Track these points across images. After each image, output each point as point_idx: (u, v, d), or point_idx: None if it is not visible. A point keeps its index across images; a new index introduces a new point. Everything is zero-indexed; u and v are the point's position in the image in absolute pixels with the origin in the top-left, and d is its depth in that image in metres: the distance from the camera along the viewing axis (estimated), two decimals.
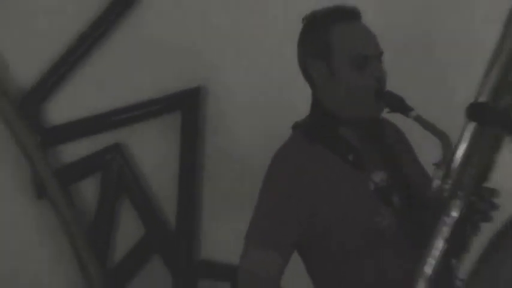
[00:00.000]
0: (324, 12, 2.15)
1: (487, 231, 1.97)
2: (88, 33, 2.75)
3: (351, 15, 2.15)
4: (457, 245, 2.02)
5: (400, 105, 2.01)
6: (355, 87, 2.07)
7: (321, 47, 2.10)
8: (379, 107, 2.09)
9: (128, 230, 2.87)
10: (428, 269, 1.98)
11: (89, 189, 2.86)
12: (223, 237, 2.79)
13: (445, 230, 1.97)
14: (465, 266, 1.98)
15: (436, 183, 2.00)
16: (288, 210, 2.08)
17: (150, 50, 2.82)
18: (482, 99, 1.91)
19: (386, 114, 2.11)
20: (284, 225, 2.06)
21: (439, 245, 1.98)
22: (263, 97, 2.79)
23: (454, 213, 1.98)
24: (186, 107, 2.78)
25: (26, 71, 2.82)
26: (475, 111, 1.91)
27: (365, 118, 2.12)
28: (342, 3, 2.15)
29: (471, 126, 1.96)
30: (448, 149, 1.99)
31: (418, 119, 1.98)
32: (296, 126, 2.14)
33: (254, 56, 2.80)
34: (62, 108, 2.84)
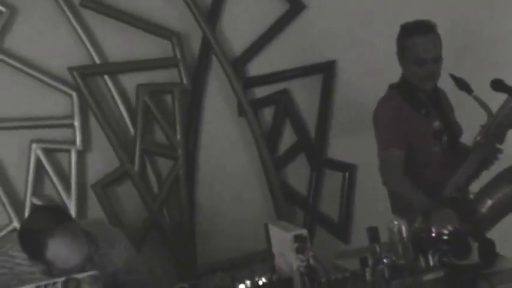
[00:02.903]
0: (406, 26, 2.94)
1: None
2: (273, 26, 3.80)
3: (424, 29, 2.86)
4: (476, 171, 2.86)
5: (467, 88, 2.80)
6: (415, 75, 2.95)
7: (402, 49, 2.98)
8: (429, 86, 2.95)
9: (288, 138, 3.86)
10: (459, 181, 2.78)
11: (268, 114, 3.84)
12: (341, 147, 3.86)
13: (474, 159, 2.84)
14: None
15: (478, 136, 2.82)
16: (397, 126, 2.94)
17: (307, 35, 3.85)
18: None
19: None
20: (398, 133, 2.92)
21: (470, 168, 2.82)
22: (377, 69, 3.61)
23: (480, 154, 2.81)
24: (326, 71, 3.86)
25: (236, 45, 3.79)
26: (496, 85, 2.69)
27: (423, 89, 2.96)
28: (421, 19, 2.89)
29: (508, 101, 2.65)
30: (491, 119, 2.77)
31: (476, 98, 2.77)
32: (391, 87, 3.06)
33: (376, 42, 3.63)
34: (255, 67, 3.80)
